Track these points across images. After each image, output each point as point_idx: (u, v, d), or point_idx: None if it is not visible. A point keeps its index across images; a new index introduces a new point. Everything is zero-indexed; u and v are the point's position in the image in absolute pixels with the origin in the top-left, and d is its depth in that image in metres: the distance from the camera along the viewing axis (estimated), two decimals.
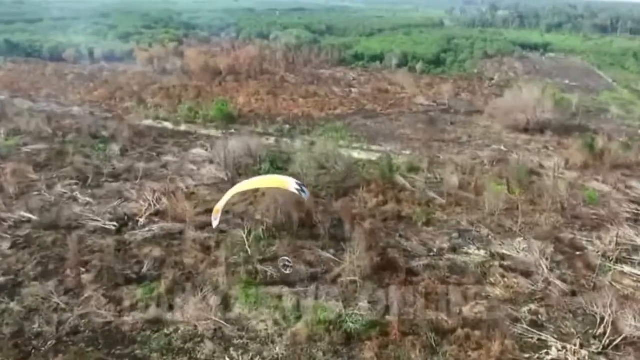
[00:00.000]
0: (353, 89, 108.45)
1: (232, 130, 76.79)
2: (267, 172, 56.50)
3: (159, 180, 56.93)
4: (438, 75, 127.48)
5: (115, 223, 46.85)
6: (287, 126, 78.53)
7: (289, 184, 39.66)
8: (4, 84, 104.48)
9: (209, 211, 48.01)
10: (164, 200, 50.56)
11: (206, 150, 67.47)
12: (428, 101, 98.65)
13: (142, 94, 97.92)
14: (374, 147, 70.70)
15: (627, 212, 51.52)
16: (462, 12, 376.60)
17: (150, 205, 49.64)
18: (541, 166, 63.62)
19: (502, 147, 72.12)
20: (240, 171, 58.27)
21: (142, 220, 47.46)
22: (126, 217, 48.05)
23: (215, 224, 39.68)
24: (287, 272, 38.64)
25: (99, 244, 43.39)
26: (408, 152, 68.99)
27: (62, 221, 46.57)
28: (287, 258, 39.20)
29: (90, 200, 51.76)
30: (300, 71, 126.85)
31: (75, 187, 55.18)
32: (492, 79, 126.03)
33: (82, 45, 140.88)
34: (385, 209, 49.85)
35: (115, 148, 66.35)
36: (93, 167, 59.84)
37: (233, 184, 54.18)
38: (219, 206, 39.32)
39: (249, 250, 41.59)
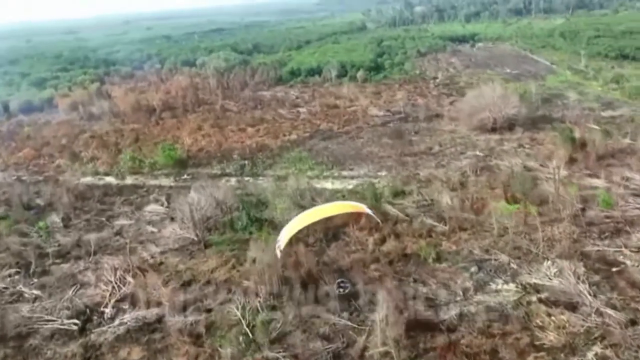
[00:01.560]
0: (300, 109, 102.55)
1: (186, 176, 69.18)
2: (244, 224, 49.51)
3: (117, 253, 48.75)
4: (381, 82, 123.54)
5: (76, 320, 38.63)
6: (245, 162, 71.56)
7: (361, 207, 44.08)
8: None
9: (186, 285, 41.41)
10: (129, 279, 42.83)
11: (162, 205, 59.65)
12: (382, 111, 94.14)
13: (73, 146, 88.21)
14: (345, 173, 64.93)
15: (638, 208, 47.86)
16: (379, 13, 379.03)
17: (114, 288, 41.79)
18: (528, 169, 59.64)
19: (479, 153, 68.06)
20: (210, 226, 51.00)
21: (108, 311, 39.47)
22: (88, 310, 39.84)
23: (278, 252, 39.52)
24: (344, 292, 37.95)
25: (61, 354, 35.26)
26: (384, 173, 63.66)
27: (9, 330, 37.94)
28: (343, 280, 39.10)
29: (39, 293, 43.10)
30: (238, 96, 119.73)
31: (17, 277, 46.30)
32: (435, 77, 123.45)
33: None
34: (387, 249, 43.97)
35: (56, 219, 57.38)
36: (34, 248, 50.87)
37: (205, 244, 47.69)
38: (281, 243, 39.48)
39: (248, 331, 34.62)
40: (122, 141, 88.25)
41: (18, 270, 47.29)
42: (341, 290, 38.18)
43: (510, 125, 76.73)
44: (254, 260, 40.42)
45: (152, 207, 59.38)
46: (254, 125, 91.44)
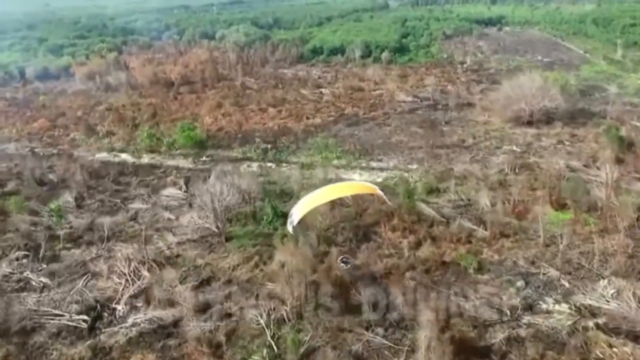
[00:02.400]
0: (323, 90, 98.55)
1: (205, 158, 65.92)
2: (269, 218, 46.23)
3: (132, 240, 45.88)
4: (407, 65, 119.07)
5: (85, 316, 35.75)
6: (268, 146, 68.07)
7: (373, 188, 42.84)
8: None
9: (205, 283, 38.36)
10: (144, 272, 39.90)
11: (180, 189, 56.42)
12: (409, 97, 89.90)
13: (89, 119, 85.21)
14: (374, 164, 61.26)
15: None
16: None
17: (127, 282, 38.89)
18: (571, 169, 55.68)
19: (515, 148, 64.02)
20: (231, 216, 47.78)
21: (120, 308, 36.55)
22: (99, 306, 36.91)
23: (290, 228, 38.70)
24: (348, 267, 38.27)
25: (68, 355, 32.40)
26: (415, 166, 59.93)
27: (13, 323, 35.12)
28: (346, 256, 39.46)
29: (48, 281, 40.27)
30: (259, 73, 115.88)
31: (25, 261, 43.53)
32: (463, 62, 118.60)
33: (11, 64, 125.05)
34: (424, 254, 40.54)
35: (68, 198, 54.40)
36: (44, 230, 48.07)
37: (226, 237, 44.54)
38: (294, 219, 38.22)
39: (273, 344, 31.56)
40: (139, 116, 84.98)
41: (27, 253, 44.51)
42: (344, 265, 38.69)
43: (548, 118, 72.44)
44: (282, 265, 37.02)
45: (169, 190, 56.18)
46: (275, 106, 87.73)
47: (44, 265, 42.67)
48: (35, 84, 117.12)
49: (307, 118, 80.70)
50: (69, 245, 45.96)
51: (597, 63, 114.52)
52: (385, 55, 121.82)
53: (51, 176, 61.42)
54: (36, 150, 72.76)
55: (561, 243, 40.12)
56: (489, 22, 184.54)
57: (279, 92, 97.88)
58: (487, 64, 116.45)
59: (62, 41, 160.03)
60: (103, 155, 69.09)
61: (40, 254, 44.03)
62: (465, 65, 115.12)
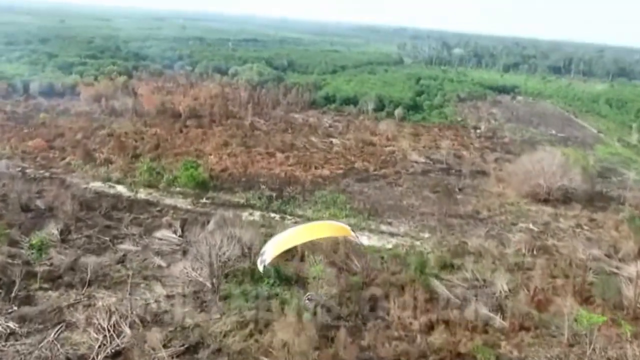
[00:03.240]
0: (334, 140, 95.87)
1: (205, 200, 62.24)
2: (271, 280, 42.29)
3: (116, 288, 41.74)
4: (419, 123, 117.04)
5: None
6: (273, 194, 64.47)
7: (346, 229, 39.34)
8: None
9: (191, 350, 34.18)
10: (125, 328, 35.65)
11: (175, 232, 52.55)
12: (422, 157, 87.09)
13: (88, 143, 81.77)
14: (384, 227, 57.65)
15: None
16: (415, 48, 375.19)
17: (105, 337, 34.60)
18: (593, 258, 52.07)
19: (532, 226, 60.66)
20: (228, 270, 43.75)
21: None
22: None
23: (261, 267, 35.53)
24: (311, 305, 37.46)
25: None
26: (427, 235, 56.34)
27: None
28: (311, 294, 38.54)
29: (16, 327, 35.93)
30: (269, 115, 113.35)
31: None
32: (477, 128, 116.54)
33: (16, 77, 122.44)
34: (437, 342, 36.46)
35: (53, 229, 50.29)
36: (22, 265, 43.79)
37: (220, 295, 40.48)
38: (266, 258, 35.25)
39: None
40: (142, 146, 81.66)
41: None
42: (308, 302, 38.51)
43: (565, 198, 69.48)
44: (284, 345, 32.85)
45: (163, 232, 52.28)
46: (283, 151, 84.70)
47: (15, 308, 38.37)
48: (38, 99, 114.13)
49: (316, 168, 77.56)
50: (46, 285, 41.77)
51: (612, 144, 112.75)
52: (398, 111, 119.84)
53: (39, 202, 57.47)
54: (27, 171, 69.03)
55: (588, 345, 36.23)
56: (503, 90, 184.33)
57: (288, 136, 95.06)
58: (500, 132, 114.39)
59: (72, 59, 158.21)
60: (97, 185, 65.33)
61: (13, 293, 39.73)
62: (479, 131, 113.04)
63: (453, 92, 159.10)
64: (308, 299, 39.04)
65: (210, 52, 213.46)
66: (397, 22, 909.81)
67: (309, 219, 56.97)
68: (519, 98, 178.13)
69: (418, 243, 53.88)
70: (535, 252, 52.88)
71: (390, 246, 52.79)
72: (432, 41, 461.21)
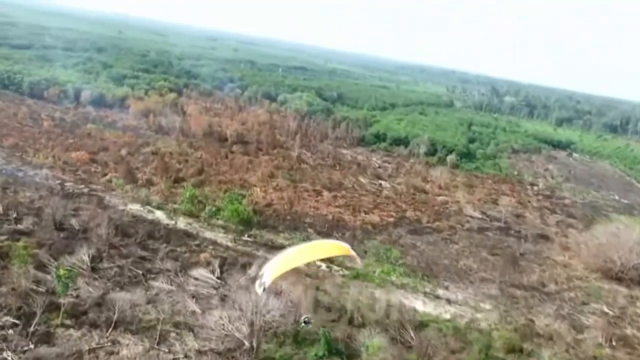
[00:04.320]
0: (383, 182, 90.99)
1: (247, 238, 57.71)
2: (320, 352, 37.15)
3: (144, 333, 37.19)
4: (473, 173, 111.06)
5: None
6: (318, 237, 59.62)
7: (346, 248, 35.32)
8: None
9: None
10: None
11: (213, 272, 47.98)
12: (477, 212, 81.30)
13: (132, 160, 78.80)
14: (440, 292, 51.96)
15: None
16: (465, 92, 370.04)
17: None
18: None
19: (606, 309, 54.01)
20: (268, 333, 38.76)
21: None
22: None
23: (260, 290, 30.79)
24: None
25: None
26: (488, 306, 50.40)
27: None
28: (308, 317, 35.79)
29: None
30: (317, 148, 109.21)
31: (10, 333, 35.12)
32: (534, 184, 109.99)
33: (69, 84, 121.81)
34: None
35: (84, 255, 46.23)
36: (46, 294, 39.73)
37: (257, 357, 35.42)
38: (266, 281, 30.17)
39: None
40: (185, 169, 78.19)
41: (16, 322, 36.20)
42: (305, 325, 36.28)
43: None
44: None
45: (200, 272, 47.71)
46: (330, 190, 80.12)
47: (31, 346, 34.14)
48: (87, 108, 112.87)
49: (365, 212, 72.57)
50: (68, 321, 37.54)
51: None
52: (451, 157, 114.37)
53: (73, 221, 53.83)
54: (66, 184, 65.87)
55: None
56: (557, 145, 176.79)
57: (336, 174, 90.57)
58: (559, 192, 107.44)
59: (126, 71, 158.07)
60: (136, 208, 61.57)
61: (32, 327, 35.62)
62: (536, 188, 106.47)
63: (506, 143, 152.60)
64: (305, 322, 35.90)
65: (261, 77, 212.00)
66: (444, 63, 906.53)
67: (359, 275, 51.84)
68: (575, 155, 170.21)
69: (479, 316, 48.02)
70: (614, 343, 46.33)
71: (448, 316, 47.10)
72: (481, 86, 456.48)
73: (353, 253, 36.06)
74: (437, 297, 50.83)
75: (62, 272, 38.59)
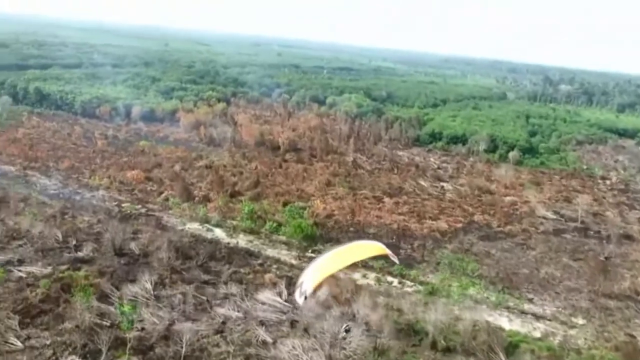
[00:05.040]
0: (445, 184, 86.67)
1: (312, 254, 54.74)
2: None
3: None
4: (538, 169, 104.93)
5: None
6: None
7: (381, 247, 34.45)
8: (21, 148, 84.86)
9: None
10: None
11: (280, 294, 45.22)
12: (550, 212, 75.92)
13: (186, 176, 77.33)
14: (526, 307, 47.60)
15: None
16: (515, 83, 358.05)
17: None
18: None
19: None
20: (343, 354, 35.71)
21: None
22: None
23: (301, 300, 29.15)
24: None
25: None
26: (580, 321, 45.79)
27: None
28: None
29: None
30: (371, 151, 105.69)
31: None
32: (606, 178, 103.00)
33: (119, 101, 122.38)
34: None
35: (147, 282, 44.31)
36: (110, 328, 37.83)
37: None
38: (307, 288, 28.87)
39: None
40: (241, 182, 76.06)
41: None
42: (345, 333, 36.12)
43: None
44: None
45: (267, 295, 44.95)
46: (391, 195, 76.51)
47: None
48: (138, 124, 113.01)
49: (430, 219, 68.61)
50: (135, 358, 35.31)
51: None
52: (513, 154, 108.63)
53: (133, 245, 52.17)
54: (123, 205, 64.64)
55: None
56: (623, 133, 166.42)
57: (394, 178, 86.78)
58: (634, 185, 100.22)
59: (173, 83, 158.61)
60: (195, 227, 59.66)
61: None
62: (609, 182, 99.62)
63: (569, 134, 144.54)
64: (345, 330, 35.52)
65: (308, 80, 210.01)
66: (490, 54, 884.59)
67: (435, 289, 48.14)
68: None
69: (573, 332, 43.55)
70: None
71: (538, 334, 42.86)
72: (532, 75, 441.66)
73: (389, 252, 35.11)
74: (523, 313, 46.57)
75: (126, 308, 36.53)
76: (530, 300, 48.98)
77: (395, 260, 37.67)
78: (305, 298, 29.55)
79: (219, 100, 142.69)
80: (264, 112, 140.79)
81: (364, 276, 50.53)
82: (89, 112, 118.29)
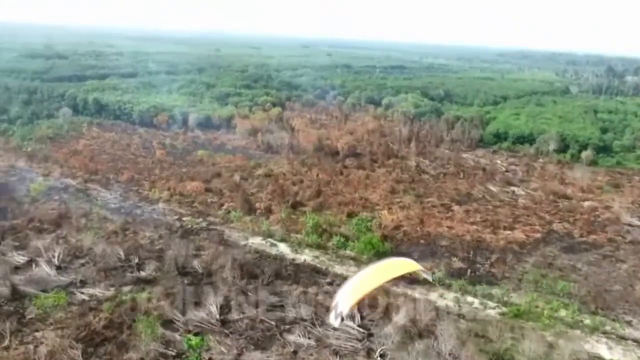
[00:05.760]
0: (516, 189, 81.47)
1: None
2: None
3: None
4: (615, 169, 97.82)
5: None
6: (461, 265, 52.29)
7: (414, 264, 35.32)
8: (82, 160, 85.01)
9: None
10: None
11: (353, 319, 42.02)
12: (636, 218, 69.86)
13: (246, 186, 75.35)
14: (626, 331, 42.76)
15: None
16: (577, 75, 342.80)
17: None
18: None
19: None
20: None
21: None
22: None
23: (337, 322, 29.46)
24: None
25: None
26: None
27: None
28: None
29: None
30: (434, 154, 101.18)
31: None
32: None
33: (176, 109, 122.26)
34: None
35: (212, 305, 42.00)
36: (176, 358, 35.69)
37: None
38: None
39: None
40: (302, 191, 73.38)
41: None
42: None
43: None
44: None
45: (339, 321, 41.77)
46: (460, 203, 72.22)
47: None
48: (195, 132, 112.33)
49: (504, 228, 64.03)
50: None
51: None
52: (587, 153, 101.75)
53: (196, 263, 50.19)
54: (184, 219, 63.02)
55: None
56: None
57: (461, 183, 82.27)
58: None
59: (228, 89, 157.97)
60: (258, 242, 57.32)
61: None
62: None
63: None
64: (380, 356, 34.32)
65: (361, 81, 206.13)
66: (547, 46, 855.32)
67: (521, 312, 43.94)
68: None
69: None
70: None
71: None
72: (593, 67, 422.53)
73: (421, 268, 35.45)
74: (622, 338, 41.76)
75: (193, 340, 34.25)
76: (629, 323, 44.07)
77: (429, 277, 37.94)
78: (342, 320, 30.07)
79: (274, 105, 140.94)
80: (320, 116, 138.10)
81: (442, 296, 46.81)
82: (146, 121, 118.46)
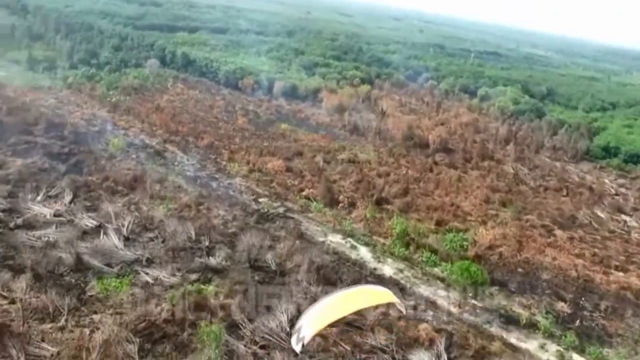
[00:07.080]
0: (628, 219, 71.90)
1: (475, 302, 44.95)
2: None
3: None
4: None
5: None
6: (566, 310, 45.03)
7: (389, 294, 31.98)
8: (163, 119, 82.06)
9: None
10: None
11: (439, 357, 36.19)
12: None
13: (328, 170, 70.10)
14: None
15: None
16: None
17: None
18: None
19: None
20: None
21: None
22: None
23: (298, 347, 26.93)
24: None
25: None
26: None
27: None
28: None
29: None
30: (532, 162, 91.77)
31: None
32: None
33: (262, 73, 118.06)
34: None
35: (282, 314, 37.08)
36: None
37: None
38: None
39: None
40: (388, 185, 67.29)
41: None
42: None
43: None
44: None
45: (422, 356, 36.11)
46: (563, 227, 63.91)
47: None
48: (280, 100, 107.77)
49: (617, 268, 55.55)
50: None
51: None
52: None
53: (269, 256, 45.54)
54: (261, 200, 58.56)
55: None
56: None
57: (564, 202, 73.52)
58: None
59: (317, 58, 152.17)
60: (337, 241, 52.02)
61: None
62: None
63: None
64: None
65: (457, 66, 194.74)
66: None
67: None
68: None
69: None
70: None
71: None
72: None
73: (397, 300, 32.59)
74: None
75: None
76: None
77: (403, 310, 33.91)
78: (303, 345, 27.89)
79: (362, 82, 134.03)
80: (409, 99, 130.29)
81: (542, 347, 39.98)
82: (231, 82, 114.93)
